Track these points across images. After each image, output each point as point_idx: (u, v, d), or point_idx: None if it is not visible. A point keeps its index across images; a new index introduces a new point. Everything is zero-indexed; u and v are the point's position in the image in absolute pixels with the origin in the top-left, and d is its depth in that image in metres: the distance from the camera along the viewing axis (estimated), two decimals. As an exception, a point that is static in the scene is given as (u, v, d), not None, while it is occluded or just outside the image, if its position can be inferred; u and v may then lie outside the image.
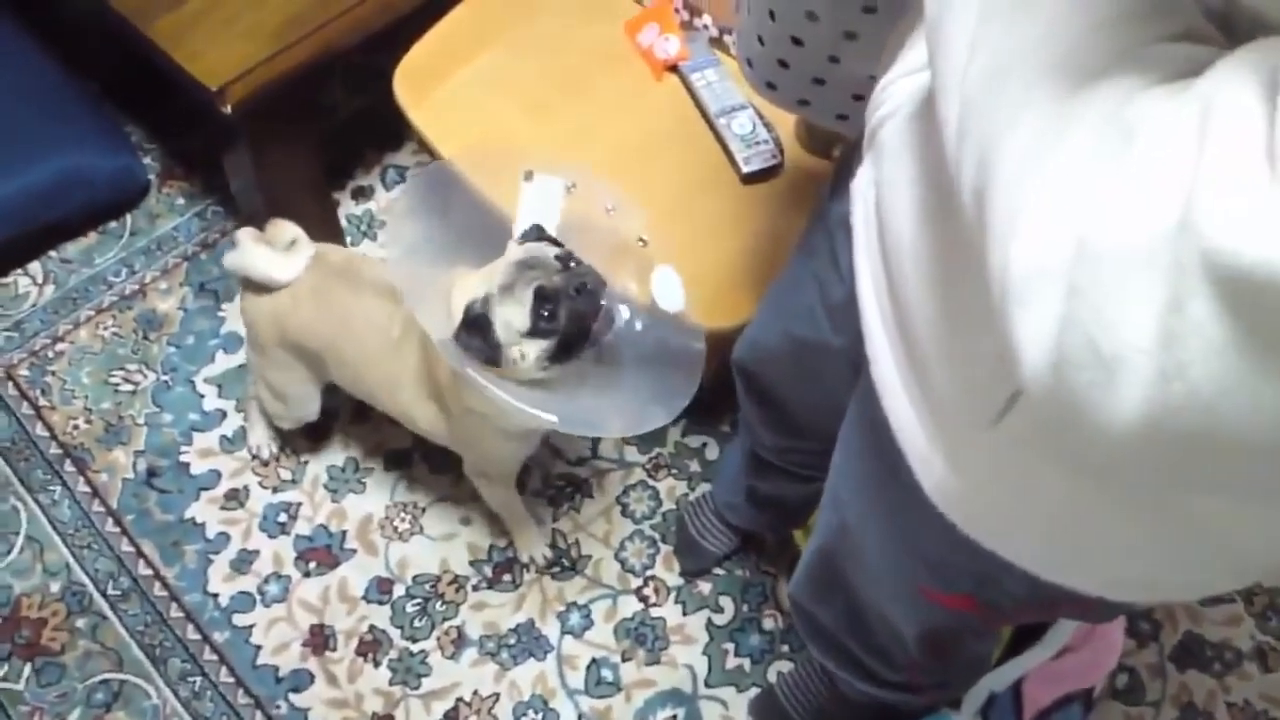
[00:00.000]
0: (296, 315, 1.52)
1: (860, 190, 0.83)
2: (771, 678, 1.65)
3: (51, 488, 1.76)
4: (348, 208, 2.03)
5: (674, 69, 1.72)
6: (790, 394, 1.29)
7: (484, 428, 1.47)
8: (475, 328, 1.26)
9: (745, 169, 1.62)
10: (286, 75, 1.61)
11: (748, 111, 1.66)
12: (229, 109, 1.58)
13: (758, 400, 1.37)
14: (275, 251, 1.53)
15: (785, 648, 1.68)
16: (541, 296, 1.25)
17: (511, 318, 1.27)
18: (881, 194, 0.77)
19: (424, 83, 1.70)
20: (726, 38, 1.73)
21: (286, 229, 1.55)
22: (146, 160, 2.09)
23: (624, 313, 1.40)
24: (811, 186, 1.63)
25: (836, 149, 1.62)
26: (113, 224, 2.02)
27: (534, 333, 1.26)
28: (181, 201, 2.06)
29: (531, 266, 1.28)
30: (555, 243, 1.37)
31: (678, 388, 1.38)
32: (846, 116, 1.10)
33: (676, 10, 1.75)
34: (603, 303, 1.29)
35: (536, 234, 1.37)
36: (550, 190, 1.47)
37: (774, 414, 1.35)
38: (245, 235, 1.53)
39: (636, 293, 1.46)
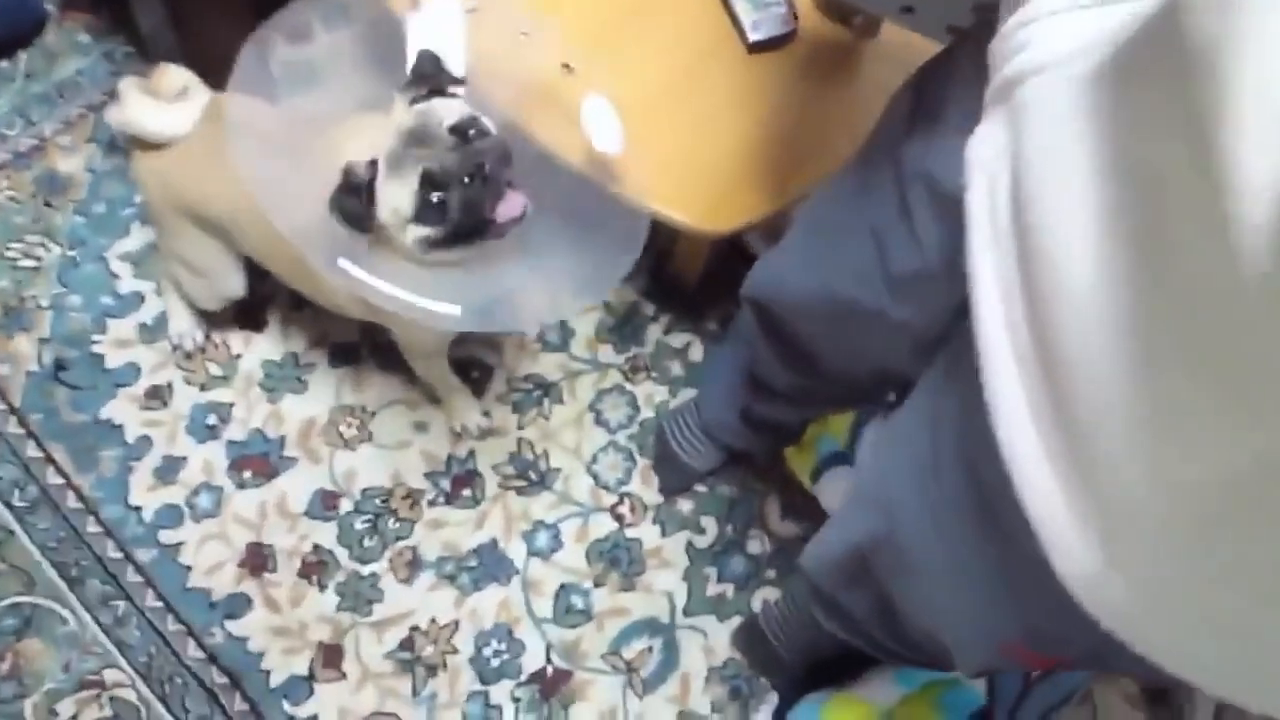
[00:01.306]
0: (189, 175, 1.32)
1: (983, 162, 0.62)
2: (756, 606, 1.52)
3: (-58, 381, 1.53)
4: (282, 54, 1.75)
5: (671, -91, 1.44)
6: (821, 346, 1.10)
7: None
8: (353, 194, 1.07)
9: (752, 36, 1.37)
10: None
11: (758, -34, 1.40)
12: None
13: (776, 340, 1.18)
14: (164, 103, 1.32)
15: (771, 573, 1.54)
16: (429, 181, 1.06)
17: (396, 200, 1.07)
18: (1025, 178, 0.56)
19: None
20: None
21: (175, 75, 1.35)
22: (42, -12, 1.78)
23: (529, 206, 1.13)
24: (830, 59, 1.41)
25: (860, 14, 1.38)
26: (3, 64, 1.73)
27: (419, 219, 1.08)
28: (85, 39, 1.76)
29: (421, 141, 1.07)
30: (453, 84, 1.14)
31: (609, 263, 1.16)
32: (960, 28, 0.88)
33: None
34: (508, 186, 1.08)
35: (429, 67, 1.14)
36: (446, 17, 1.21)
37: (794, 356, 1.17)
38: (128, 86, 1.34)
39: (563, 138, 1.22)
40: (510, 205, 1.09)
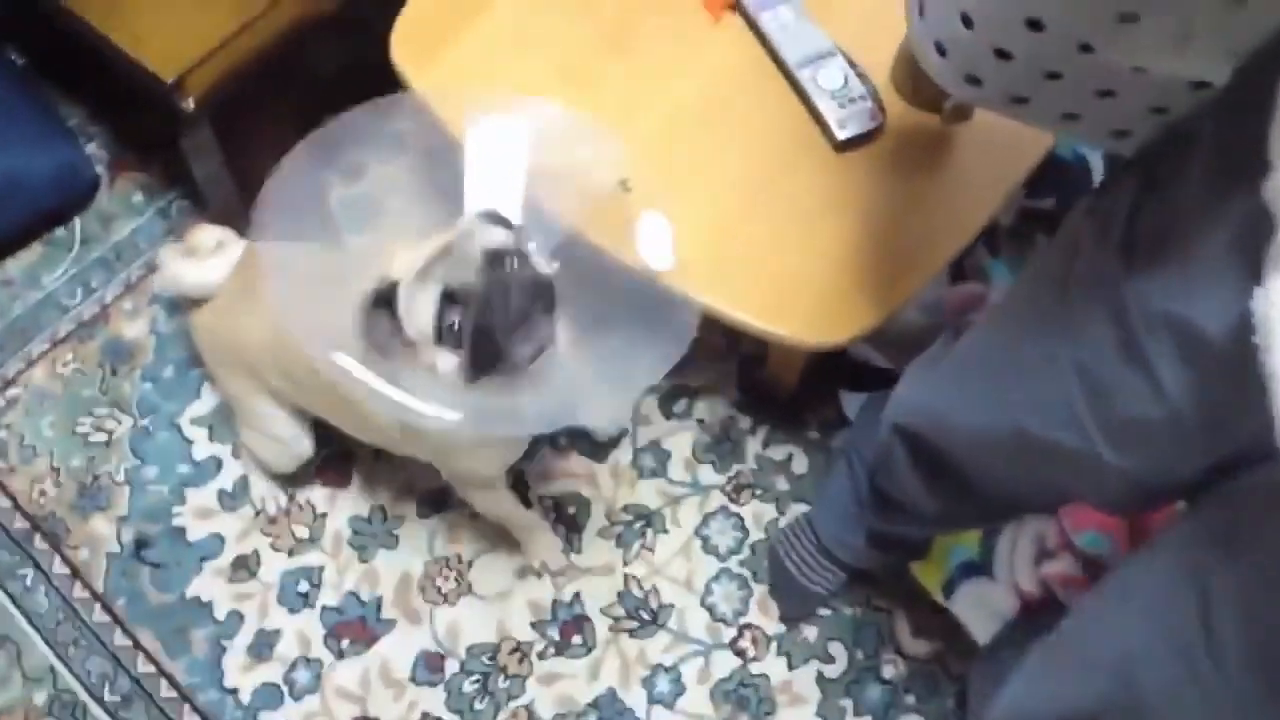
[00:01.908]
0: (227, 324, 1.30)
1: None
2: (899, 736, 1.40)
3: (22, 572, 1.46)
4: (338, 190, 1.70)
5: (736, 7, 1.38)
6: (990, 479, 1.01)
7: (451, 435, 1.18)
8: (381, 305, 1.01)
9: (840, 134, 1.30)
10: (257, 54, 1.27)
11: (837, 59, 1.33)
12: (190, 104, 1.24)
13: (929, 470, 1.09)
14: (201, 260, 1.33)
15: (911, 698, 1.43)
16: (448, 297, 0.99)
17: (418, 314, 1.00)
18: None
19: (429, 44, 1.36)
20: (798, -36, 1.39)
21: (209, 232, 1.36)
22: (91, 148, 1.75)
23: (561, 339, 1.08)
24: (923, 149, 1.33)
25: (951, 99, 1.30)
26: (59, 231, 1.69)
27: (440, 339, 1.00)
28: (139, 198, 1.72)
29: (450, 253, 1.00)
30: (507, 225, 1.07)
31: (651, 361, 1.11)
32: (1078, 116, 0.79)
33: (733, -68, 1.40)
34: (540, 318, 1.02)
35: (491, 216, 1.08)
36: (505, 134, 1.16)
37: (951, 487, 1.07)
38: (165, 252, 1.39)
39: (620, 251, 1.17)
40: (531, 340, 1.02)
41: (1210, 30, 0.65)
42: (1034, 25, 0.69)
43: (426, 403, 1.02)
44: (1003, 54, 0.73)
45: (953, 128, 1.33)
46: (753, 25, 1.37)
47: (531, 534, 1.46)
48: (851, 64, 1.33)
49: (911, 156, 1.32)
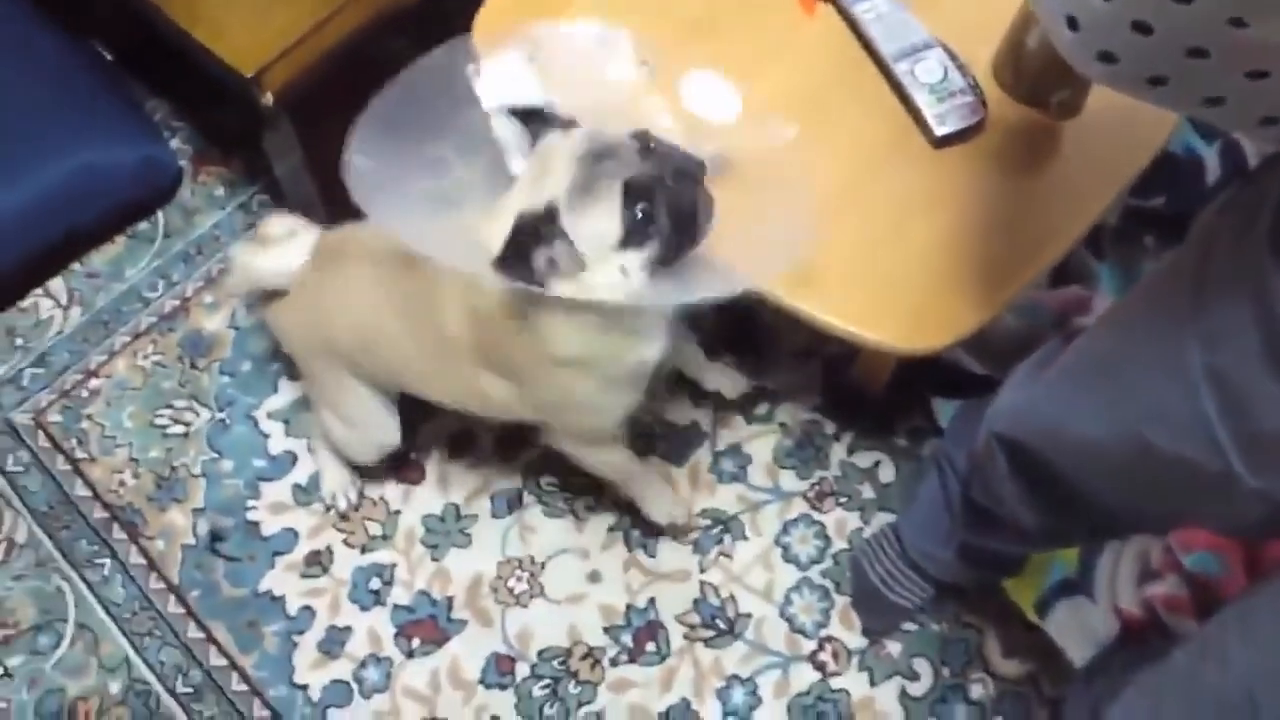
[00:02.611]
0: (314, 313, 1.28)
1: None
2: (987, 761, 1.34)
3: (100, 561, 1.47)
4: (420, 186, 1.68)
5: (829, -1, 1.33)
6: (1102, 494, 0.94)
7: (573, 381, 1.14)
8: (534, 238, 0.94)
9: (939, 130, 1.23)
10: (337, 49, 1.25)
11: (935, 51, 1.26)
12: (269, 99, 1.23)
13: (1032, 483, 1.03)
14: (276, 249, 1.30)
15: (1000, 720, 1.37)
16: (633, 193, 0.94)
17: (597, 227, 0.96)
18: None
19: (511, 37, 1.33)
20: (894, -49, 1.33)
21: (278, 222, 1.34)
22: (175, 143, 1.76)
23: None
24: (1027, 146, 1.26)
25: (1060, 93, 1.23)
26: (143, 225, 1.70)
27: (629, 240, 0.96)
28: (221, 192, 1.72)
29: (604, 156, 0.96)
30: (569, 123, 1.03)
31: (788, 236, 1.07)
32: (1222, 100, 0.72)
33: (826, -81, 1.34)
34: (702, 184, 0.99)
35: (546, 119, 1.04)
36: (511, 66, 1.12)
37: (1055, 502, 1.01)
38: (237, 252, 1.36)
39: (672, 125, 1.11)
40: (707, 203, 1.00)
41: None
42: None
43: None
44: (1142, 27, 0.66)
45: (1059, 124, 1.26)
46: (847, 17, 1.31)
47: (651, 490, 1.39)
48: (951, 56, 1.26)
49: (1014, 154, 1.25)
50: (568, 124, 1.04)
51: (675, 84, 1.12)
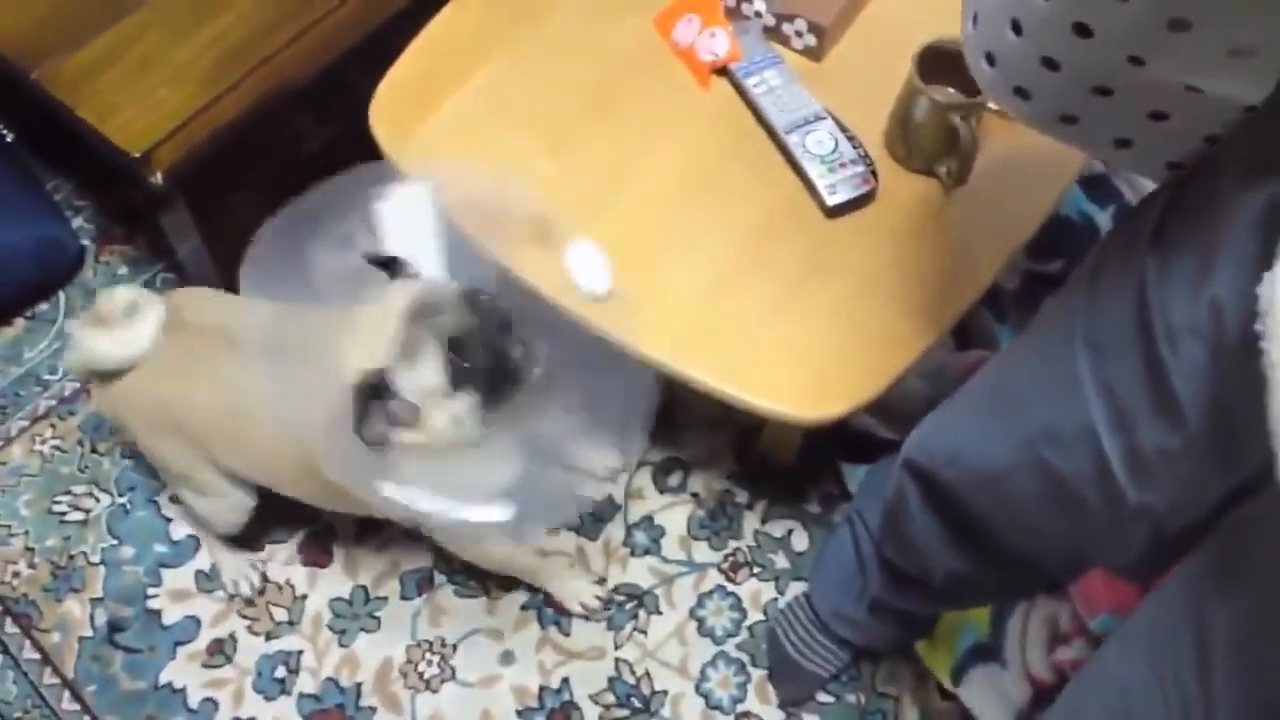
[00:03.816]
0: (167, 390, 1.23)
1: None
2: (908, 834, 1.32)
3: (-9, 658, 1.42)
4: (325, 264, 1.67)
5: (723, 72, 1.35)
6: (1005, 526, 0.96)
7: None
8: (374, 398, 0.98)
9: (830, 200, 1.25)
10: (227, 127, 1.24)
11: (826, 123, 1.28)
12: (158, 178, 1.22)
13: (945, 517, 1.03)
14: (114, 328, 1.23)
15: (919, 790, 1.35)
16: (456, 346, 1.00)
17: (425, 379, 1.00)
18: None
19: (409, 113, 1.33)
20: (786, 26, 1.35)
21: (120, 295, 1.25)
22: (78, 222, 1.73)
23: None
24: (917, 214, 1.27)
25: (947, 162, 1.25)
26: (43, 305, 1.66)
27: (456, 385, 1.00)
28: (124, 270, 1.69)
29: (430, 312, 1.00)
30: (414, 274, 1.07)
31: (630, 410, 1.11)
32: (1130, 142, 0.75)
33: (720, -5, 1.37)
34: (527, 337, 1.04)
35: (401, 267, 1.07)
36: (412, 203, 1.14)
37: (966, 536, 1.02)
38: (74, 327, 1.27)
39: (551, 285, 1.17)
40: (529, 351, 1.04)
41: (1266, 44, 0.61)
42: (1082, 30, 0.65)
43: (475, 506, 1.03)
44: (1050, 63, 0.69)
45: (950, 191, 1.28)
46: (740, 90, 1.33)
47: (558, 577, 1.41)
48: (842, 128, 1.28)
49: (907, 221, 1.27)
50: (413, 274, 1.07)
51: (564, 247, 1.17)
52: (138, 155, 1.19)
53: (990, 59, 0.75)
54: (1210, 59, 0.63)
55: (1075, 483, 0.81)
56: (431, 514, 1.02)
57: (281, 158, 1.36)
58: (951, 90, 1.24)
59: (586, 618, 1.43)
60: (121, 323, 1.23)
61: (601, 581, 1.45)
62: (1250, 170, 0.63)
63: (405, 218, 1.11)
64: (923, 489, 1.05)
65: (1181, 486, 0.72)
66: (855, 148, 1.27)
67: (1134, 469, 0.75)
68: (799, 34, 1.35)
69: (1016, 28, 0.70)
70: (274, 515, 1.44)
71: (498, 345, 1.01)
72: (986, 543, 0.99)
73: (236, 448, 1.24)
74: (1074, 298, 0.83)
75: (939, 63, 1.22)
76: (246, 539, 1.44)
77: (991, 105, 1.25)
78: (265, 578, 1.45)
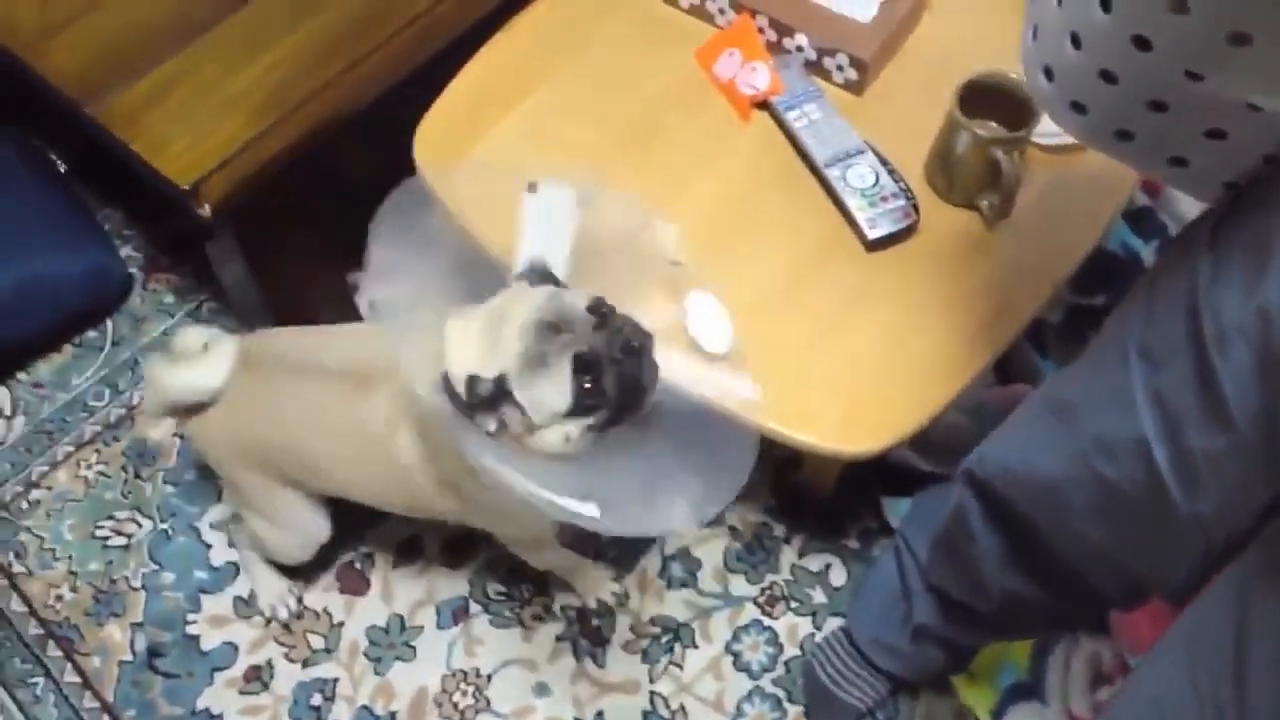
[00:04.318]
0: (245, 423, 1.25)
1: None
2: None
3: (33, 680, 1.43)
4: (371, 293, 1.68)
5: (764, 106, 1.35)
6: (1068, 540, 0.95)
7: (513, 502, 1.10)
8: (492, 407, 0.98)
9: (871, 234, 1.25)
10: (276, 160, 1.26)
11: (867, 157, 1.29)
12: (206, 209, 1.24)
13: (1005, 532, 1.03)
14: (192, 364, 1.26)
15: (959, 832, 1.33)
16: (583, 367, 0.98)
17: (546, 397, 0.99)
18: None
19: (452, 145, 1.35)
20: (827, 60, 1.36)
21: (193, 335, 1.30)
22: (127, 250, 1.76)
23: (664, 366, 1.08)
24: (958, 247, 1.27)
25: (989, 196, 1.25)
26: (91, 333, 1.69)
27: (577, 410, 0.99)
28: (170, 299, 1.72)
29: (559, 328, 0.99)
30: (555, 280, 1.08)
31: (727, 464, 1.09)
32: (1185, 161, 0.74)
33: (760, 31, 1.38)
34: (651, 358, 1.03)
35: (540, 267, 1.08)
36: (558, 205, 1.15)
37: (1026, 554, 1.02)
38: (149, 367, 1.32)
39: (667, 335, 1.14)
40: (654, 381, 1.03)
41: None
42: (1141, 43, 0.65)
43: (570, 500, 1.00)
44: (1108, 76, 0.70)
45: (991, 225, 1.27)
46: (781, 124, 1.34)
47: (580, 575, 1.43)
48: (883, 161, 1.29)
49: (947, 256, 1.27)
50: (555, 281, 1.07)
51: (683, 297, 1.17)
52: (187, 187, 1.21)
53: (1049, 73, 0.76)
54: (1271, 75, 0.63)
55: (1127, 494, 0.81)
56: (528, 493, 0.98)
57: (329, 190, 1.38)
58: (993, 124, 1.24)
59: (598, 615, 1.42)
60: (197, 359, 1.26)
61: (617, 579, 1.46)
62: None
63: (546, 216, 1.12)
64: (983, 503, 1.05)
65: (1228, 492, 0.72)
66: (896, 181, 1.27)
67: (1183, 477, 0.75)
68: (840, 68, 1.35)
69: (1076, 41, 0.70)
70: (313, 542, 1.46)
71: (625, 369, 1.00)
72: (1044, 559, 0.99)
73: (308, 464, 1.25)
74: (1131, 309, 0.84)
75: (980, 97, 1.22)
76: (292, 567, 1.45)
77: (1035, 139, 1.25)
78: (302, 602, 1.46)
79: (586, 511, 0.99)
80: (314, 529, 1.35)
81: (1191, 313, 0.71)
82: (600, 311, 1.02)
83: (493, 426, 0.99)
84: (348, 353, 1.23)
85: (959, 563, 1.12)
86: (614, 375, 0.99)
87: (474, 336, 1.02)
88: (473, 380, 0.98)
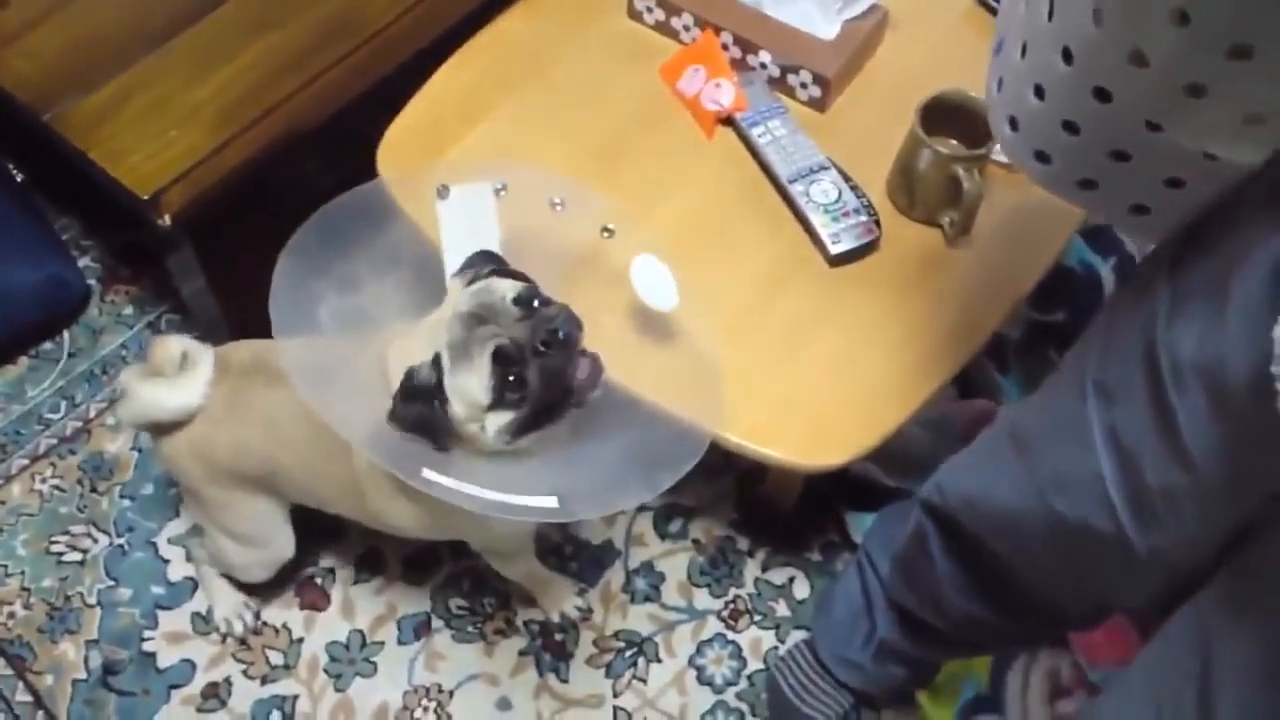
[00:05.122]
0: (219, 438, 1.23)
1: None
2: None
3: (-16, 699, 1.40)
4: (330, 303, 1.67)
5: (728, 122, 1.36)
6: (1026, 571, 0.96)
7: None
8: (418, 399, 0.98)
9: (834, 249, 1.26)
10: (237, 172, 1.25)
11: (830, 173, 1.30)
12: (166, 220, 1.22)
13: (963, 560, 1.03)
14: (171, 378, 1.24)
15: (921, 846, 1.33)
16: (503, 359, 0.97)
17: (468, 389, 0.99)
18: None
19: (415, 160, 1.35)
20: (791, 78, 1.37)
21: (172, 345, 1.25)
22: (85, 261, 1.74)
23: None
24: (919, 263, 1.28)
25: (950, 212, 1.26)
26: (48, 344, 1.67)
27: (498, 404, 0.99)
28: (129, 311, 1.70)
29: (483, 319, 0.98)
30: (503, 267, 1.07)
31: (680, 443, 1.07)
32: (1147, 209, 0.76)
33: (725, 48, 1.39)
34: (583, 349, 1.01)
35: (481, 261, 1.07)
36: (476, 201, 1.16)
37: (985, 581, 1.02)
38: (128, 377, 1.26)
39: (609, 302, 1.17)
40: (586, 369, 1.00)
41: (1277, 112, 0.62)
42: (1102, 95, 0.66)
43: (519, 496, 1.00)
44: (1071, 127, 0.71)
45: (952, 241, 1.29)
46: (745, 140, 1.35)
47: (548, 588, 1.43)
48: (845, 178, 1.30)
49: (909, 271, 1.28)
50: (503, 270, 1.07)
51: (626, 262, 1.16)
52: (146, 197, 1.20)
53: (1013, 123, 0.77)
54: (1225, 125, 0.64)
55: (1083, 529, 0.81)
56: (478, 500, 0.99)
57: (289, 201, 1.36)
58: (954, 142, 1.26)
59: (562, 629, 1.42)
60: (177, 373, 1.23)
61: (582, 592, 1.46)
62: (1265, 219, 0.64)
63: (466, 216, 1.12)
64: (943, 532, 1.06)
65: (1187, 526, 0.73)
66: (859, 197, 1.28)
67: (1139, 514, 0.75)
68: (803, 85, 1.36)
69: (1039, 92, 0.71)
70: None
71: (548, 361, 0.98)
72: (1006, 587, 0.99)
73: (287, 477, 1.24)
74: (1088, 344, 0.84)
75: (942, 115, 1.24)
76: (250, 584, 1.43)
77: (995, 157, 1.27)
78: (260, 618, 1.44)
79: (540, 505, 0.99)
80: (279, 545, 1.34)
81: (1148, 351, 0.72)
82: (528, 302, 1.01)
83: (444, 439, 0.99)
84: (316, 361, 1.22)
85: (919, 584, 1.13)
86: (536, 367, 0.98)
87: (415, 348, 1.02)
88: (411, 372, 0.98)
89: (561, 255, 1.17)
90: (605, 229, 1.20)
